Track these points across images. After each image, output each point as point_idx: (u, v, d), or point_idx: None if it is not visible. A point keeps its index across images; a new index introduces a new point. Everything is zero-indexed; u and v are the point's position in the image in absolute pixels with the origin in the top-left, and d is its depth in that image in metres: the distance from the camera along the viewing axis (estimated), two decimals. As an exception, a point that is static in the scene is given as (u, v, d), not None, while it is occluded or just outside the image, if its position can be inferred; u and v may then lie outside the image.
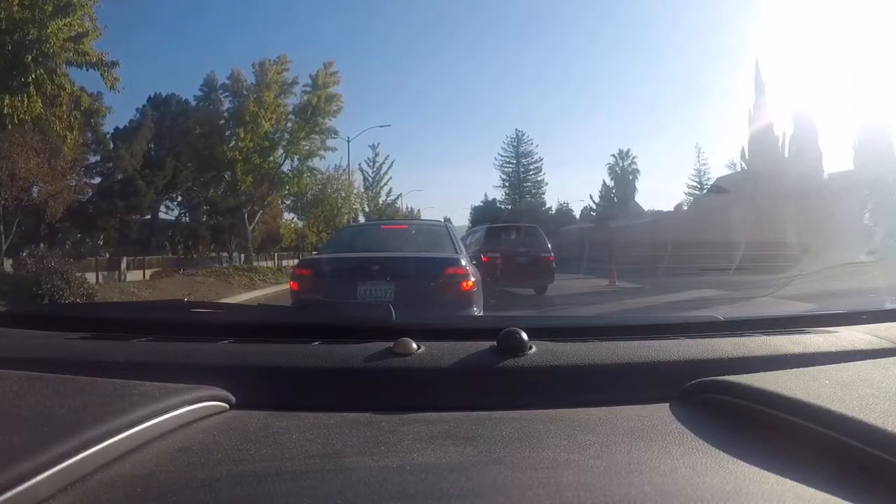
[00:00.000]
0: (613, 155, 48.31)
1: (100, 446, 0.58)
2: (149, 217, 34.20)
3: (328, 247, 6.04)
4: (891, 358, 0.95)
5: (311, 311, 1.22)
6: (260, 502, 0.53)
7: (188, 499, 0.54)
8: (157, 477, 0.57)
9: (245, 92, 23.51)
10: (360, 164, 42.48)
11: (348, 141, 30.49)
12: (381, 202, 43.59)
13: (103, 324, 1.21)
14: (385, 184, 43.53)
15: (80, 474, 0.55)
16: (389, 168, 43.20)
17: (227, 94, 24.71)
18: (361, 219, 42.26)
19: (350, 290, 4.19)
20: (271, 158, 24.23)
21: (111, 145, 30.95)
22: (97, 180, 30.61)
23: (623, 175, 47.03)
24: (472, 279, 4.26)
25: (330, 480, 0.58)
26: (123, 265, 21.82)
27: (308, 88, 24.35)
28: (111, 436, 0.60)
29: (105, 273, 20.14)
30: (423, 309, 4.03)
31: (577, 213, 51.89)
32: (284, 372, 0.90)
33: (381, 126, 38.68)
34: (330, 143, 25.92)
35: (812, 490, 0.54)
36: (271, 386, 0.87)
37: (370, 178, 42.68)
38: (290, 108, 24.23)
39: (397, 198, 46.13)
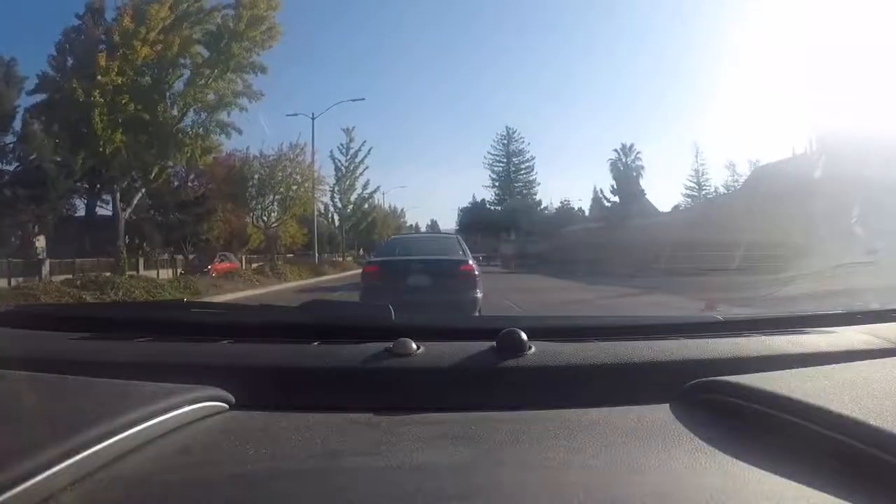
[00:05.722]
0: (616, 150, 44.56)
1: (100, 446, 0.58)
2: (82, 213, 27.07)
3: (381, 252, 8.53)
4: (890, 358, 0.95)
5: (310, 311, 1.22)
6: (260, 502, 0.53)
7: (188, 499, 0.54)
8: (157, 477, 0.57)
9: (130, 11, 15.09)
10: (331, 152, 35.62)
11: (313, 118, 24.97)
12: (355, 196, 36.59)
13: (103, 324, 1.21)
14: (361, 174, 36.33)
15: (80, 474, 0.55)
16: (366, 156, 35.85)
17: (115, 20, 15.66)
18: (335, 216, 36.34)
19: (403, 279, 6.26)
20: (161, 108, 15.42)
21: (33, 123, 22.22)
22: (15, 166, 22.97)
23: (626, 172, 43.41)
24: (477, 272, 6.58)
25: (330, 480, 0.58)
26: (46, 269, 17.94)
27: (230, 11, 15.86)
28: (111, 436, 0.60)
29: (21, 279, 15.45)
30: (449, 289, 6.17)
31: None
32: (284, 372, 0.90)
33: (353, 100, 31.48)
34: (292, 120, 19.20)
35: (812, 490, 0.54)
36: (271, 386, 0.87)
37: (343, 168, 35.44)
38: (198, 38, 15.81)
39: (375, 190, 39.06)
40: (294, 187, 26.67)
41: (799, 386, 0.75)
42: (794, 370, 0.86)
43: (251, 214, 28.22)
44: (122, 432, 0.61)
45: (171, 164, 17.13)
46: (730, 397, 0.77)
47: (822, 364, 0.90)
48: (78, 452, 0.55)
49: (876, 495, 0.54)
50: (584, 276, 16.97)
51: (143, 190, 17.96)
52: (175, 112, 15.84)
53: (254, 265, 25.25)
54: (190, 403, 0.73)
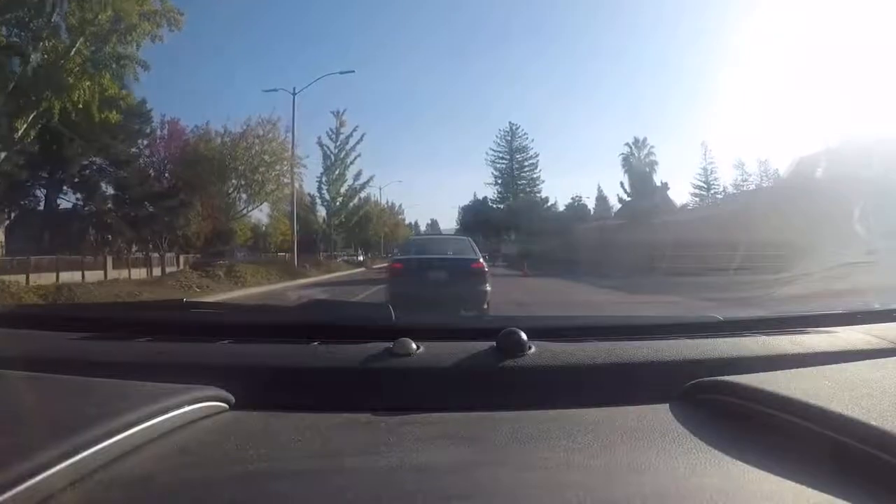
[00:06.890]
0: (628, 144, 43.34)
1: (100, 446, 0.58)
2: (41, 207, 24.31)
3: (405, 251, 9.91)
4: (889, 358, 0.95)
5: (310, 311, 1.22)
6: (260, 502, 0.53)
7: (188, 499, 0.54)
8: (157, 477, 0.57)
9: None
10: (318, 138, 32.46)
11: (293, 94, 22.21)
12: (345, 188, 32.99)
13: (103, 324, 1.21)
14: (352, 162, 32.99)
15: (80, 474, 0.55)
16: (358, 143, 32.89)
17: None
18: (321, 211, 32.04)
19: (425, 274, 7.60)
20: (43, 35, 10.32)
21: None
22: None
23: (639, 167, 41.84)
24: (486, 269, 7.96)
25: (330, 480, 0.58)
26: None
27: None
28: (111, 436, 0.60)
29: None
30: (463, 283, 7.46)
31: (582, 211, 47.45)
32: (284, 372, 0.90)
33: (341, 73, 26.86)
34: (271, 95, 14.73)
35: (812, 490, 0.54)
36: (271, 386, 0.87)
37: (332, 155, 32.29)
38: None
39: (367, 182, 35.72)
40: (262, 169, 22.01)
41: (799, 386, 0.75)
42: (794, 370, 0.86)
43: (211, 203, 23.49)
44: (121, 432, 0.61)
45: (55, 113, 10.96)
46: (730, 397, 0.77)
47: (822, 364, 0.90)
48: (77, 452, 0.55)
49: (876, 495, 0.54)
50: (626, 282, 13.76)
51: (4, 154, 12.17)
52: (54, 42, 10.54)
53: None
54: (190, 403, 0.73)
